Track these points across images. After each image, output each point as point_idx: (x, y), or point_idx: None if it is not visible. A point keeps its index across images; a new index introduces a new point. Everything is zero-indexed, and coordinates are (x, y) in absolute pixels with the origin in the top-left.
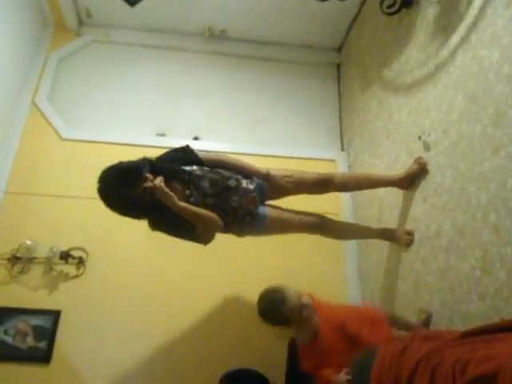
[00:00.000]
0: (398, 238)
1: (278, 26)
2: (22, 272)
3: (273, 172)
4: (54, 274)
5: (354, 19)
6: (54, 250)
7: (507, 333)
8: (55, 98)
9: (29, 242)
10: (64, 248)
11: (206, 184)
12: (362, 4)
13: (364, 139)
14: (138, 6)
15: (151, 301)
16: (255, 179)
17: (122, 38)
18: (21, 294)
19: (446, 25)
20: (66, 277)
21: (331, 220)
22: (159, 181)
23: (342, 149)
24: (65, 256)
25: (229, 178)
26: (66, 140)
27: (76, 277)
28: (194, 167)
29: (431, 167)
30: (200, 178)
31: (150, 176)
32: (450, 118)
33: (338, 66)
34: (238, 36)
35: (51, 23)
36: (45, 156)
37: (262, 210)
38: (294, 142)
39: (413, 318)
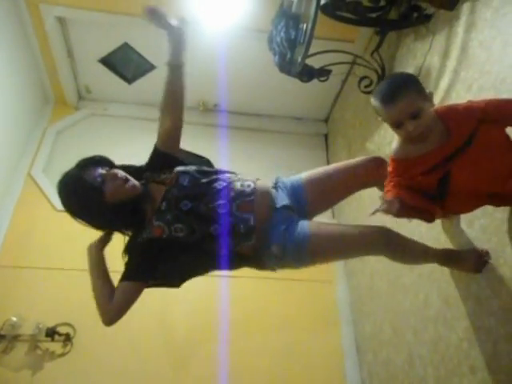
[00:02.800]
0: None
1: (268, 100)
2: (5, 351)
3: (305, 175)
4: (38, 352)
5: (338, 94)
6: (40, 326)
7: None
8: (51, 169)
9: (14, 319)
10: (50, 324)
11: (185, 181)
12: (344, 81)
13: (352, 208)
14: (135, 83)
15: (146, 381)
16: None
17: (119, 111)
18: (2, 377)
19: None
20: (52, 355)
21: (397, 233)
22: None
23: (333, 216)
24: (51, 333)
25: (217, 180)
26: (60, 211)
27: (62, 355)
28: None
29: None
30: (181, 174)
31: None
32: None
33: (326, 136)
34: (230, 109)
35: (51, 99)
36: (38, 228)
37: (301, 225)
38: None
39: None
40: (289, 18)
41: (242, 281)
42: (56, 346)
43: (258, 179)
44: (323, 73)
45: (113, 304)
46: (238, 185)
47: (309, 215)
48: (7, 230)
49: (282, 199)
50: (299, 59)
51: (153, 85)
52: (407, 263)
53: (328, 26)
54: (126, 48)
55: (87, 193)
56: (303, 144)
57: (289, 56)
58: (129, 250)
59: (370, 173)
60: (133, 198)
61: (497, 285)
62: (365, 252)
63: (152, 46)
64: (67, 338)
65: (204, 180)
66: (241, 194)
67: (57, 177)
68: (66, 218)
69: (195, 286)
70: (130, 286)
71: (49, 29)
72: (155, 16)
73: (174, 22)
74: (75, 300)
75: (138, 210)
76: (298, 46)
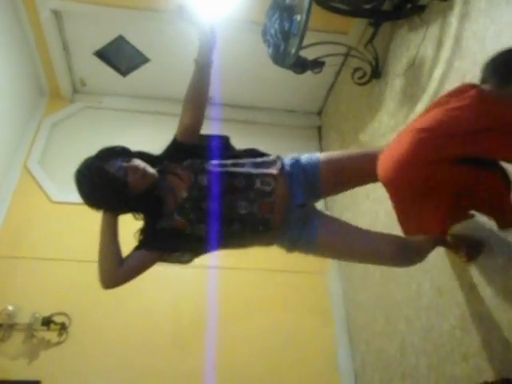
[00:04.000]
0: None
1: (262, 93)
2: (1, 340)
3: (323, 157)
4: (34, 341)
5: (331, 87)
6: (36, 315)
7: None
8: (46, 161)
9: (10, 308)
10: (46, 313)
11: (203, 181)
12: (338, 74)
13: (346, 198)
14: (130, 76)
15: (138, 370)
16: (289, 166)
17: (113, 104)
18: None
19: (411, 94)
20: (48, 344)
21: (413, 247)
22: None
23: (326, 208)
24: (46, 322)
25: (237, 175)
26: (56, 203)
27: (58, 344)
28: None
29: None
30: (198, 172)
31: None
32: None
33: (319, 129)
34: (224, 102)
35: (46, 91)
36: (34, 219)
37: (312, 221)
38: None
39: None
40: (283, 10)
41: (235, 272)
42: (52, 335)
43: (276, 166)
44: (317, 64)
45: (123, 268)
46: (258, 183)
47: (322, 195)
48: (4, 221)
49: (297, 196)
50: (293, 51)
51: (147, 77)
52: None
53: (322, 17)
54: (120, 41)
55: (112, 185)
56: (296, 136)
57: (282, 48)
58: (145, 230)
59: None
60: (152, 186)
61: (490, 273)
62: (375, 263)
63: (146, 39)
64: (63, 327)
65: (224, 177)
66: (261, 194)
67: (52, 168)
68: (62, 209)
69: (189, 276)
70: (146, 254)
71: (44, 21)
72: (187, 13)
73: (205, 21)
74: (71, 290)
75: (157, 198)
76: (291, 38)
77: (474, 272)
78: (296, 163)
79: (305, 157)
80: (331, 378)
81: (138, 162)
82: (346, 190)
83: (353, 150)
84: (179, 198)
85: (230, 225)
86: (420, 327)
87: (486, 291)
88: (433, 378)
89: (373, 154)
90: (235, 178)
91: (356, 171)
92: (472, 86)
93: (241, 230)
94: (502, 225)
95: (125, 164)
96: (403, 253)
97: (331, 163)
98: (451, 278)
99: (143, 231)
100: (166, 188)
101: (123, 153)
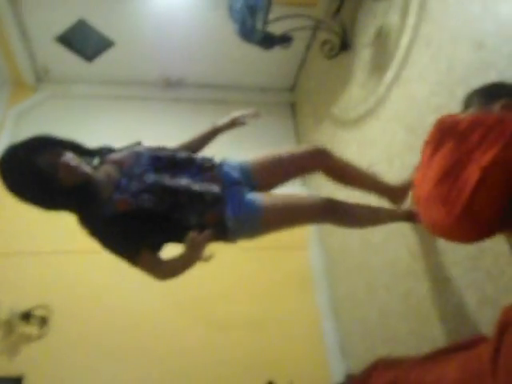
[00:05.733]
0: None
1: (232, 71)
2: None
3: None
4: (14, 336)
5: (302, 62)
6: (14, 310)
7: (457, 352)
8: None
9: None
10: (25, 307)
11: (144, 159)
12: (308, 48)
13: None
14: (95, 61)
15: (123, 361)
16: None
17: (80, 91)
18: None
19: (380, 64)
20: (28, 338)
21: (346, 203)
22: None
23: (304, 184)
24: (25, 316)
25: (177, 155)
26: None
27: (39, 337)
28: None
29: None
30: (139, 154)
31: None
32: (393, 150)
33: (293, 105)
34: (195, 82)
35: (8, 81)
36: (4, 212)
37: (253, 198)
38: None
39: (385, 351)
40: None
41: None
42: (32, 329)
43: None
44: (285, 39)
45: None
46: (198, 159)
47: (260, 191)
48: None
49: (232, 175)
50: (259, 26)
51: (113, 62)
52: (357, 228)
53: None
54: (81, 25)
55: (42, 179)
56: (270, 114)
57: (249, 23)
58: (99, 232)
59: (313, 164)
60: (84, 182)
61: None
62: (314, 220)
63: (108, 22)
64: (43, 320)
65: (163, 154)
66: (202, 168)
67: None
68: None
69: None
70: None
71: None
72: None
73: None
74: (48, 282)
75: (90, 191)
76: (258, 13)
77: None
78: (224, 162)
79: (234, 161)
80: (317, 351)
81: (71, 158)
82: (282, 184)
83: (280, 153)
84: (115, 180)
85: (175, 195)
86: (399, 293)
87: (459, 253)
88: (414, 341)
89: (299, 155)
90: (176, 155)
91: (288, 172)
92: None
93: (188, 201)
94: None
95: (57, 159)
96: (334, 212)
97: (260, 162)
98: (425, 243)
99: (94, 233)
100: (101, 178)
101: (57, 145)
